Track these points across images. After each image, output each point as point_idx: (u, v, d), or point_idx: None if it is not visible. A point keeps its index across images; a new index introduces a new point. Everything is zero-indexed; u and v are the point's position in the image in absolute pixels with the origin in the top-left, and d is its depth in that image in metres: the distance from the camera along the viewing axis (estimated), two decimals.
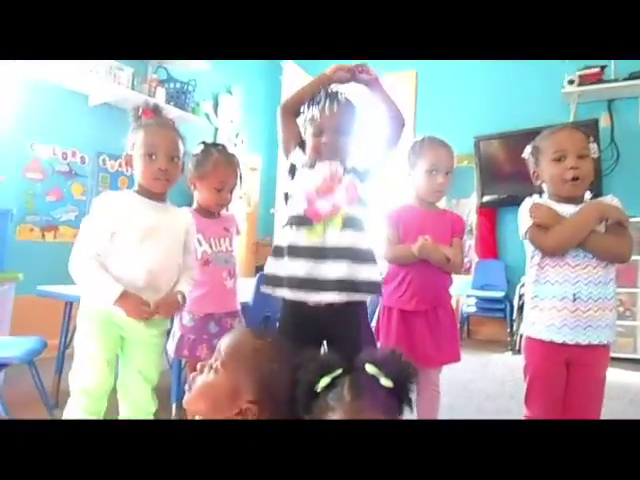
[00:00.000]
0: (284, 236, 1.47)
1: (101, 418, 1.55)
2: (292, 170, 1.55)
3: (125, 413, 1.55)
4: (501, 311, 4.21)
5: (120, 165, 3.76)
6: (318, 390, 0.89)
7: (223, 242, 1.82)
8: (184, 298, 1.53)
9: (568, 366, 1.44)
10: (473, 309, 4.36)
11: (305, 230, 1.43)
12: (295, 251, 1.43)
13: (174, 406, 2.06)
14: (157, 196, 1.52)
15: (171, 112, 3.83)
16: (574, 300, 1.40)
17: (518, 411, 1.57)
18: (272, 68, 4.88)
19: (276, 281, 1.46)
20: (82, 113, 3.61)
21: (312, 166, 1.49)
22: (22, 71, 3.22)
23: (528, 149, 1.56)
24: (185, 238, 1.59)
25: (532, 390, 1.49)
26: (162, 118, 1.57)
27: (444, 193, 1.81)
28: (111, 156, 3.76)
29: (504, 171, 4.43)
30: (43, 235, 3.44)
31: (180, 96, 4.05)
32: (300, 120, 1.55)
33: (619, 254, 1.42)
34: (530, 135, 1.61)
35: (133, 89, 3.68)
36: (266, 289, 1.50)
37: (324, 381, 0.89)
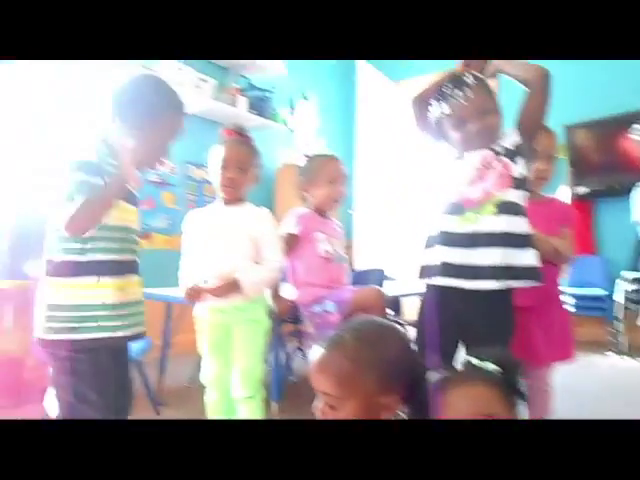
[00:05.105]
0: (435, 225, 1.44)
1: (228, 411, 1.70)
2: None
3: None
4: (601, 310, 3.95)
5: (206, 173, 3.89)
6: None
7: (337, 241, 1.91)
8: (236, 284, 1.58)
9: None
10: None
11: (457, 217, 1.39)
12: (448, 239, 1.39)
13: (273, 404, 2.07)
14: (230, 201, 1.70)
15: (252, 120, 3.93)
16: None
17: None
18: (345, 70, 4.93)
19: (432, 270, 1.42)
20: None
21: (460, 157, 1.44)
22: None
23: (637, 127, 1.45)
24: (255, 234, 1.66)
25: None
26: (241, 136, 1.72)
27: (548, 180, 1.76)
28: (197, 165, 3.90)
29: (597, 161, 4.14)
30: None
31: (260, 104, 4.12)
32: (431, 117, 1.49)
33: None
34: (625, 120, 1.49)
35: (216, 99, 3.79)
36: (422, 280, 1.48)
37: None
